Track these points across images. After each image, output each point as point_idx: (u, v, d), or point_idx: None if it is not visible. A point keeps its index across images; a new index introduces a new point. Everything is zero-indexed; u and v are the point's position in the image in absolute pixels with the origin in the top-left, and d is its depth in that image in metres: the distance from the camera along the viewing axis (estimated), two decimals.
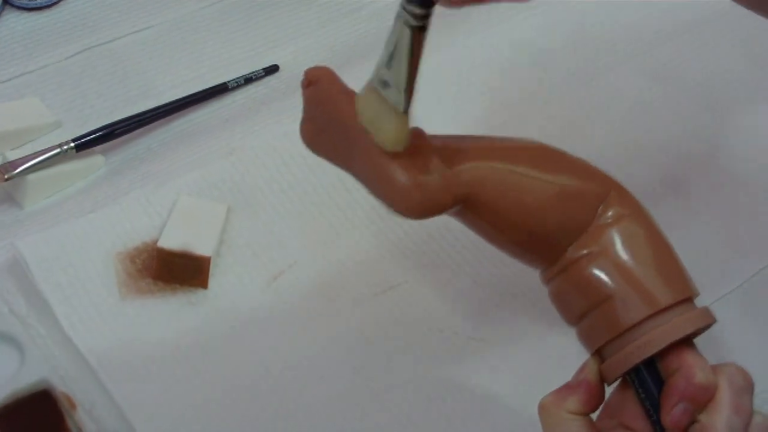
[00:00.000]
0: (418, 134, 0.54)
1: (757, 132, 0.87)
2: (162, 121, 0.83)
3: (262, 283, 0.73)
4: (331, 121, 0.56)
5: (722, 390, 0.50)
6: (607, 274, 0.53)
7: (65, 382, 0.65)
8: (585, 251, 0.54)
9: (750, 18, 0.84)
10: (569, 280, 0.54)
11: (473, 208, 0.55)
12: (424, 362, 0.70)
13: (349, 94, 0.55)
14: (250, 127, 0.83)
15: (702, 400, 0.50)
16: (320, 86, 0.56)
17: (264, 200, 0.78)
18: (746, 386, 0.51)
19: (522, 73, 0.89)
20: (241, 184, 0.78)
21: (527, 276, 0.74)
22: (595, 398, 0.53)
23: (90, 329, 0.68)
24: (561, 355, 0.69)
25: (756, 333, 0.72)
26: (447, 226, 0.77)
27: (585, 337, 0.55)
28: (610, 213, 0.54)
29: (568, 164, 0.56)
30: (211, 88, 0.85)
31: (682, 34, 0.95)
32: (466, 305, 0.73)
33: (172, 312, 0.70)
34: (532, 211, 0.54)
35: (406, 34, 0.50)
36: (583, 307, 0.54)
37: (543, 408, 0.53)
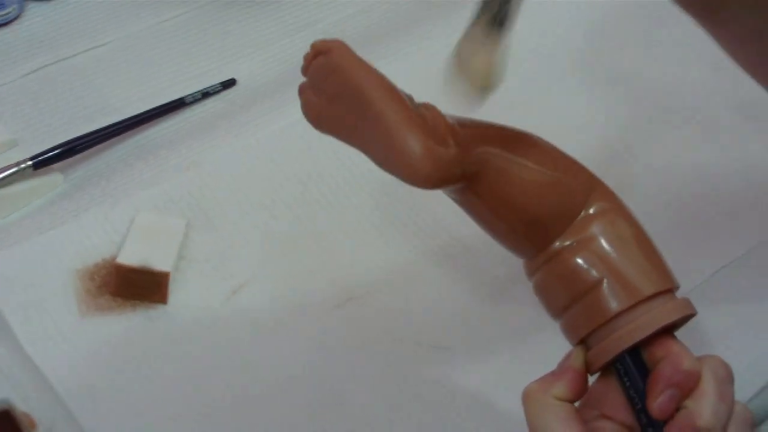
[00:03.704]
0: (430, 107, 0.55)
1: (712, 137, 0.88)
2: (120, 137, 0.83)
3: (221, 298, 0.73)
4: (343, 90, 0.55)
5: (707, 379, 0.50)
6: (591, 264, 0.53)
7: (26, 402, 0.65)
8: (569, 242, 0.54)
9: None
10: (554, 271, 0.55)
11: (476, 188, 0.55)
12: (386, 373, 0.70)
13: (364, 62, 0.55)
14: (209, 142, 0.83)
15: (688, 387, 0.50)
16: (332, 55, 0.56)
17: (223, 215, 0.78)
18: (728, 377, 0.52)
19: None
20: (200, 199, 0.78)
21: (487, 285, 0.75)
22: (581, 385, 0.53)
23: (50, 348, 0.68)
24: (524, 361, 0.70)
25: (714, 331, 0.73)
26: (404, 236, 0.78)
27: (569, 328, 0.55)
28: (594, 207, 0.55)
29: (559, 157, 0.57)
30: (168, 103, 0.85)
31: (639, 39, 0.96)
32: (427, 315, 0.73)
33: (132, 328, 0.70)
34: (530, 197, 0.55)
35: None
36: (567, 298, 0.54)
37: (528, 395, 0.53)
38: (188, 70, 0.90)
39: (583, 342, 0.54)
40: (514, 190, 0.55)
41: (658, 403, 0.50)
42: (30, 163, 0.77)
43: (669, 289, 0.54)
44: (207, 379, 0.68)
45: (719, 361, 0.52)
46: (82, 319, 0.70)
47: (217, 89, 0.88)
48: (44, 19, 0.92)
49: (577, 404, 0.53)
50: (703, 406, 0.49)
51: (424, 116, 0.53)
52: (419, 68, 0.88)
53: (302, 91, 0.59)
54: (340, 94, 0.55)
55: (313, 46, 0.57)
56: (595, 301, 0.53)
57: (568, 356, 0.54)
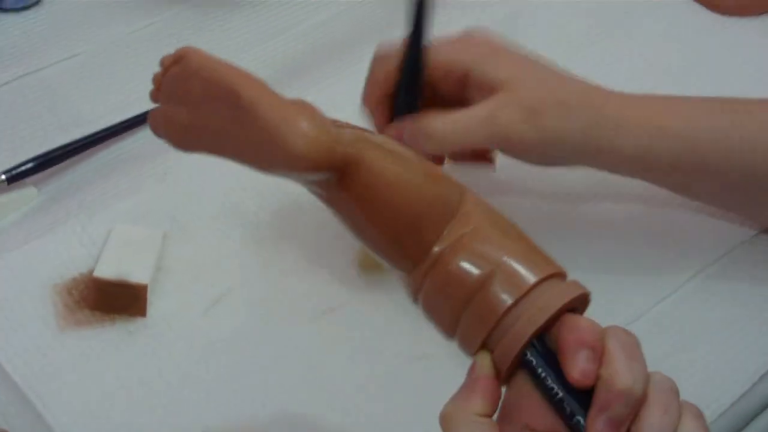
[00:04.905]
0: (310, 106, 0.53)
1: None
2: (94, 149, 0.82)
3: (201, 309, 0.72)
4: (208, 89, 0.53)
5: (611, 343, 0.48)
6: (472, 264, 0.52)
7: (5, 419, 0.65)
8: (446, 246, 0.53)
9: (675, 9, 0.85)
10: (437, 281, 0.53)
11: (348, 183, 0.53)
12: (366, 384, 0.70)
13: (222, 60, 0.54)
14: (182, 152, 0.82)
15: (595, 343, 0.48)
16: (188, 59, 0.55)
17: (200, 224, 0.77)
18: (633, 341, 0.50)
19: None
20: (177, 210, 0.78)
21: None
22: (496, 394, 0.51)
23: (29, 364, 0.68)
24: None
25: (699, 331, 0.73)
26: None
27: (466, 338, 0.52)
28: (467, 209, 0.54)
29: (430, 166, 0.56)
30: (142, 113, 0.85)
31: (612, 30, 0.97)
32: (406, 324, 0.73)
33: (112, 342, 0.70)
34: (407, 194, 0.53)
35: None
36: (456, 306, 0.52)
37: (446, 417, 0.50)
38: None
39: (484, 348, 0.52)
40: (390, 186, 0.53)
41: (578, 369, 0.48)
42: (3, 177, 0.77)
43: (555, 273, 0.52)
44: (187, 391, 0.68)
45: (619, 329, 0.50)
46: (60, 334, 0.70)
47: None
48: (15, 31, 0.92)
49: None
50: (616, 367, 0.47)
51: (301, 102, 0.52)
52: None
53: (155, 117, 0.57)
54: (205, 95, 0.54)
55: (163, 61, 0.57)
56: (485, 300, 0.51)
57: (473, 367, 0.52)
